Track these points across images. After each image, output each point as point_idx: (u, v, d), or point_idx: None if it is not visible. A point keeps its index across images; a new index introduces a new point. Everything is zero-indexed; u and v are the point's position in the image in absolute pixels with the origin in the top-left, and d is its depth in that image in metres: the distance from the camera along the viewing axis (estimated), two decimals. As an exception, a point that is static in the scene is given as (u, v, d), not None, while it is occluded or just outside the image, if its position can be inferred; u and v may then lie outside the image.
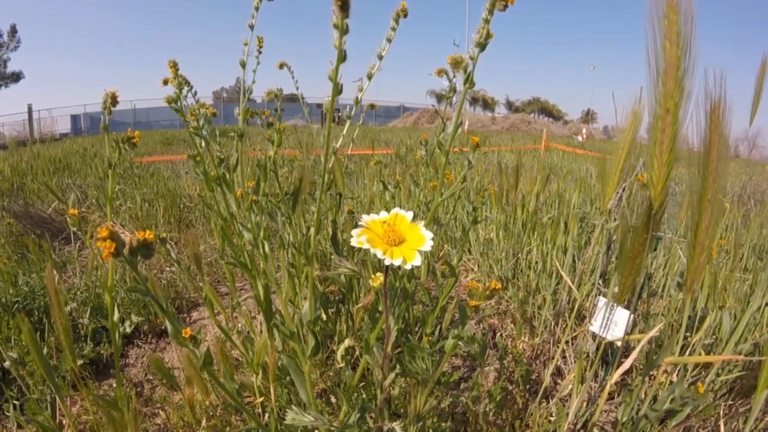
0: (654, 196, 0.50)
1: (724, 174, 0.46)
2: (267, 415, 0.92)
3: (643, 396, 0.89)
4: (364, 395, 0.92)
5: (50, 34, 79.74)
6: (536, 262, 1.44)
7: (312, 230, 0.74)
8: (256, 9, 0.82)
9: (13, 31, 17.75)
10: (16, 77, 18.42)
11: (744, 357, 0.69)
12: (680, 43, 0.43)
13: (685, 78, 0.44)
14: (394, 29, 0.58)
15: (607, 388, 0.63)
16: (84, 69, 79.45)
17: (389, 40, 0.57)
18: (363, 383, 0.96)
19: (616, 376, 0.60)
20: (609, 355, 1.03)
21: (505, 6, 0.51)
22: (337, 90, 0.52)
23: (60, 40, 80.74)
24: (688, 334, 1.07)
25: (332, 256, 1.33)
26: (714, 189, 0.46)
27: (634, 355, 0.57)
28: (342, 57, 0.49)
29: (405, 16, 0.57)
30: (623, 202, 1.04)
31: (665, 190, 0.49)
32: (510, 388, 1.05)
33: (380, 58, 0.58)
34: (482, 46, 0.55)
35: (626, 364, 0.58)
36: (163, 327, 1.40)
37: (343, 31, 0.47)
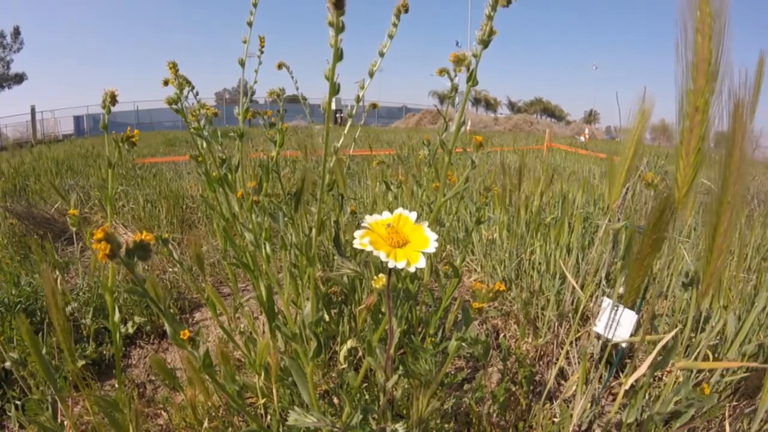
0: (678, 198, 0.48)
1: (746, 175, 0.44)
2: (269, 416, 0.92)
3: (647, 397, 0.88)
4: (366, 396, 0.92)
5: (53, 36, 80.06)
6: (539, 263, 1.43)
7: (314, 231, 0.73)
8: (254, 5, 0.82)
9: (16, 32, 17.78)
10: (19, 78, 18.44)
11: (758, 365, 0.66)
12: (713, 37, 0.41)
13: (717, 74, 0.42)
14: (395, 25, 0.57)
15: (620, 398, 0.62)
16: (87, 70, 79.80)
17: (390, 36, 0.57)
18: (366, 384, 0.96)
19: (630, 382, 0.58)
20: (613, 356, 1.02)
21: (509, 1, 0.50)
22: (335, 89, 0.51)
23: (63, 42, 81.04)
24: (693, 334, 1.07)
25: (335, 257, 1.32)
26: (735, 191, 0.45)
27: (648, 360, 0.56)
28: (338, 55, 0.48)
29: (406, 11, 0.56)
30: (629, 203, 1.03)
31: (690, 193, 0.47)
32: (513, 389, 1.04)
33: (381, 54, 0.57)
34: (485, 43, 0.54)
35: (641, 370, 0.57)
36: (165, 328, 1.40)
37: (339, 29, 0.46)
